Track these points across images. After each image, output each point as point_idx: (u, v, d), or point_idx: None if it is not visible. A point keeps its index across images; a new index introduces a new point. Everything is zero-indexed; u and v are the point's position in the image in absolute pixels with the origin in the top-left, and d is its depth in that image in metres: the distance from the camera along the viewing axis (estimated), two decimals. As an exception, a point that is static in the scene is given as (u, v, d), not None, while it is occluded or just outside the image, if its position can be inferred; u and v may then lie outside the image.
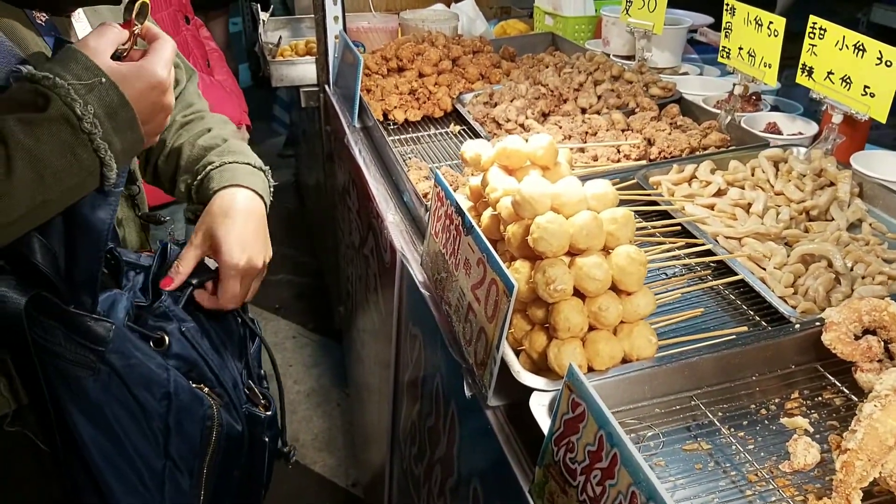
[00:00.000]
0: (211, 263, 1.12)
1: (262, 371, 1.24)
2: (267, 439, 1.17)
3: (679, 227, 1.23)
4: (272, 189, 1.19)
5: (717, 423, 0.93)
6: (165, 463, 1.07)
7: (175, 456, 1.06)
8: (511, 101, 1.78)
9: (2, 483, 1.02)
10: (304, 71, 2.43)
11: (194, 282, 1.08)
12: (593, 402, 0.71)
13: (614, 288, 0.92)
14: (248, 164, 1.17)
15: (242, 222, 1.09)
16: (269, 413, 1.17)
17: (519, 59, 2.26)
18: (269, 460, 1.19)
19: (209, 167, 1.14)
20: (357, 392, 2.48)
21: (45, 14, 0.94)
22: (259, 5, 2.72)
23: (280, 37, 2.66)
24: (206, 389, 1.07)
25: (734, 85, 1.63)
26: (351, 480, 2.55)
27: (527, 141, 1.11)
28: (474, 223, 1.02)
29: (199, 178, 1.14)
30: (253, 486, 1.19)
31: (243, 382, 1.15)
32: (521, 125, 1.69)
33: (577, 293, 0.92)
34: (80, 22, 1.01)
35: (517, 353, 0.99)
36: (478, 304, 1.01)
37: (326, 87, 2.34)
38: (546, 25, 2.46)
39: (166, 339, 1.03)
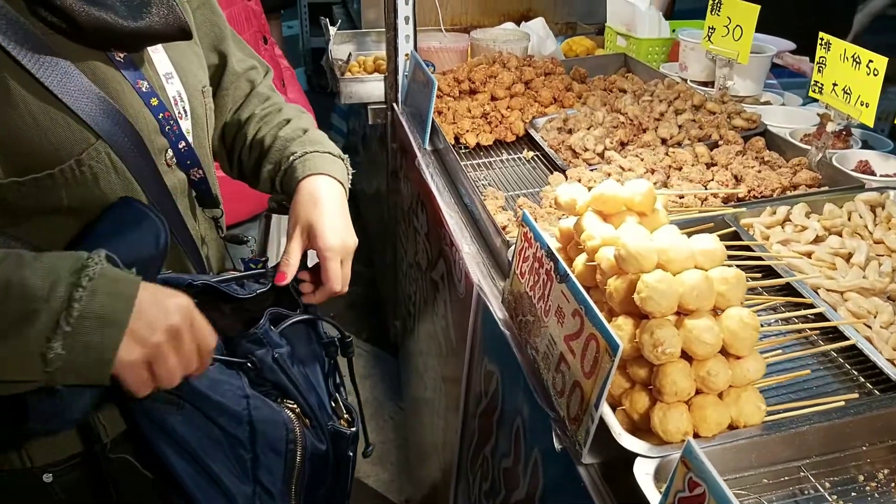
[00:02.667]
0: (310, 256, 1.13)
1: (340, 379, 1.25)
2: (351, 454, 1.17)
3: (782, 280, 1.18)
4: (350, 176, 1.20)
5: (826, 496, 0.89)
6: (255, 488, 1.08)
7: (263, 480, 1.08)
8: (588, 129, 1.75)
9: None
10: (373, 88, 2.43)
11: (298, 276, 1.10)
12: (717, 486, 0.68)
13: (723, 351, 0.88)
14: (329, 153, 1.18)
15: (331, 208, 1.10)
16: (353, 429, 1.17)
17: (590, 81, 2.22)
18: (353, 473, 1.20)
19: (292, 158, 1.15)
20: (413, 409, 2.47)
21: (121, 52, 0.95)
22: (328, 19, 2.73)
23: (350, 53, 2.66)
24: (292, 414, 1.08)
25: (819, 115, 1.57)
26: (404, 497, 2.54)
27: (622, 185, 1.08)
28: (570, 272, 1.00)
29: (283, 168, 1.16)
30: (337, 498, 1.21)
31: (329, 394, 1.16)
32: (600, 155, 1.66)
33: (684, 354, 0.88)
34: (158, 53, 1.02)
35: (612, 409, 0.96)
36: (572, 357, 0.98)
37: (395, 105, 2.34)
38: (618, 46, 2.41)
39: (256, 364, 1.03)
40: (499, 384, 1.31)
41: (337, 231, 1.09)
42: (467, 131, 1.92)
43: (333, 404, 1.17)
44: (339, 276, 1.08)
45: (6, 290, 0.73)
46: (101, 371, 0.77)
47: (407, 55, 2.28)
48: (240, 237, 1.23)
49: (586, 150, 1.66)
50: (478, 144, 1.92)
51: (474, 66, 2.11)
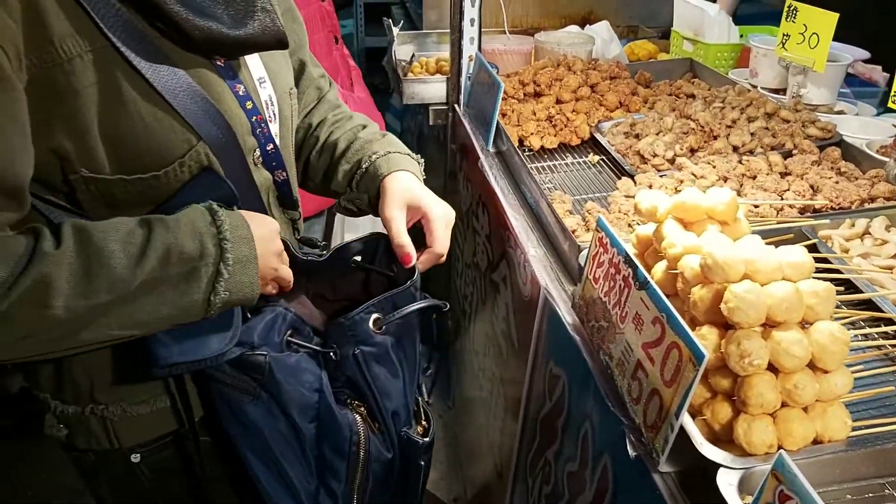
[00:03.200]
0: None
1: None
2: (423, 463, 1.18)
3: (864, 296, 1.16)
4: (423, 177, 1.24)
5: (912, 516, 0.87)
6: (318, 486, 1.10)
7: (327, 480, 1.10)
8: (657, 135, 1.73)
9: (191, 488, 1.09)
10: (435, 90, 2.45)
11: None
12: (810, 499, 0.67)
13: (811, 365, 0.87)
14: (408, 154, 1.23)
15: (426, 189, 1.17)
16: (426, 439, 1.18)
17: (655, 86, 2.20)
18: (425, 481, 1.20)
19: (374, 157, 1.19)
20: (464, 408, 2.48)
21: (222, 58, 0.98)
22: (390, 20, 2.76)
23: (413, 54, 2.69)
24: (359, 417, 1.09)
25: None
26: (453, 495, 2.55)
27: (703, 193, 1.08)
28: (651, 280, 0.99)
29: (364, 167, 1.19)
30: None
31: (414, 399, 1.17)
32: (669, 161, 1.65)
33: (770, 367, 0.87)
34: (253, 58, 1.05)
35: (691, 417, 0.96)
36: (651, 365, 0.98)
37: (456, 106, 2.35)
38: (684, 51, 2.39)
39: (336, 357, 1.06)
40: (565, 388, 1.31)
41: (439, 201, 1.15)
42: (532, 134, 1.92)
43: (415, 409, 1.18)
44: (446, 241, 1.11)
45: (167, 257, 0.84)
46: (250, 300, 0.93)
47: (471, 57, 2.29)
48: (314, 241, 1.26)
49: (655, 155, 1.65)
50: (542, 147, 1.92)
51: (539, 69, 2.12)
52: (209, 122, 0.91)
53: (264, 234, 0.94)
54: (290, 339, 1.05)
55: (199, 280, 0.86)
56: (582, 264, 1.31)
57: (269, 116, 1.05)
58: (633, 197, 1.51)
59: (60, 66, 0.80)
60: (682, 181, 1.47)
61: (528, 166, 1.69)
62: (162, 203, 0.92)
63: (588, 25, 2.63)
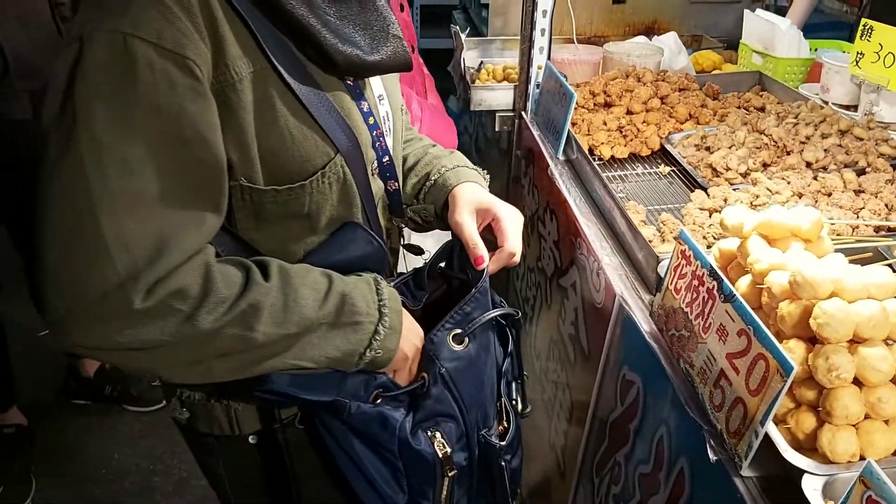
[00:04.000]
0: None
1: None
2: (504, 463, 1.22)
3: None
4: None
5: None
6: (408, 499, 1.15)
7: (415, 495, 1.15)
8: (729, 148, 1.77)
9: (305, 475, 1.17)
10: (502, 97, 2.51)
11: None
12: (901, 507, 0.72)
13: (894, 380, 0.92)
14: (475, 169, 1.32)
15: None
16: (502, 443, 1.22)
17: (723, 98, 2.23)
18: (509, 478, 1.25)
19: (444, 169, 1.28)
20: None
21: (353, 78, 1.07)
22: (457, 27, 2.83)
23: (481, 61, 2.75)
24: (440, 445, 1.13)
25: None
26: (508, 494, 2.61)
27: (783, 209, 1.12)
28: (737, 293, 1.04)
29: (433, 179, 1.28)
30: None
31: (494, 401, 1.22)
32: (742, 175, 1.68)
33: (854, 381, 0.92)
34: (375, 78, 1.13)
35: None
36: (735, 374, 1.03)
37: (523, 113, 2.41)
38: (753, 64, 2.41)
39: (425, 383, 1.11)
40: (640, 394, 1.36)
41: (507, 204, 1.21)
42: (602, 143, 1.97)
43: (498, 410, 1.23)
44: (517, 241, 1.17)
45: (342, 306, 0.98)
46: (385, 364, 1.05)
47: (540, 66, 2.35)
48: (418, 248, 1.33)
49: (728, 169, 1.69)
50: (612, 157, 1.97)
51: (610, 79, 2.16)
52: (343, 137, 0.99)
53: (410, 325, 1.08)
54: (380, 394, 1.09)
55: (362, 332, 0.99)
56: (661, 274, 1.36)
57: (386, 130, 1.13)
58: (707, 210, 1.56)
59: (232, 86, 0.88)
60: (757, 196, 1.50)
61: (602, 175, 1.74)
62: (302, 217, 1.01)
63: (655, 36, 2.66)
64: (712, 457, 1.06)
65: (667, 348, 1.26)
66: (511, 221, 1.20)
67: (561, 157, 2.03)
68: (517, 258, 1.22)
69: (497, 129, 2.58)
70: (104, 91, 0.80)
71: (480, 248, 1.15)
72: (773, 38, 2.31)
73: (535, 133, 2.23)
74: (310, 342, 0.95)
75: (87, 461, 2.74)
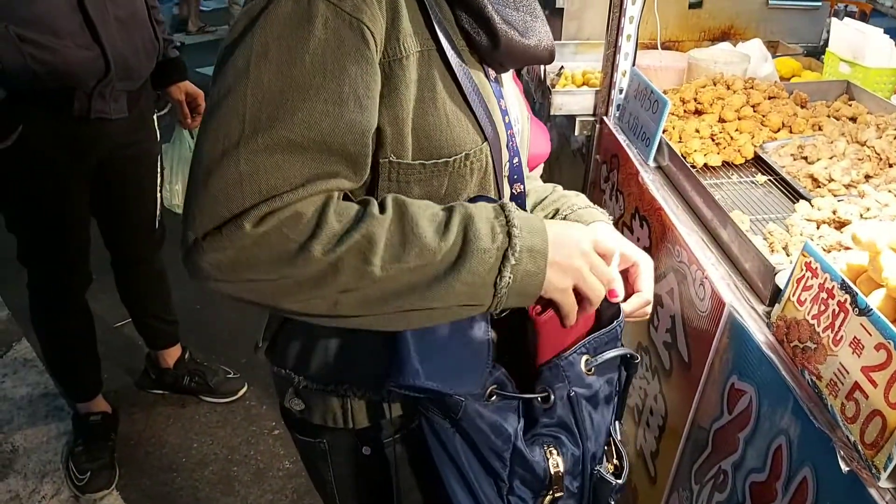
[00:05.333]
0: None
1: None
2: (613, 502, 1.20)
3: None
4: None
5: None
6: None
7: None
8: (830, 159, 1.76)
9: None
10: (582, 101, 2.53)
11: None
12: None
13: None
14: (602, 211, 1.32)
15: None
16: (619, 481, 1.20)
17: (811, 106, 2.22)
18: None
19: (575, 207, 1.30)
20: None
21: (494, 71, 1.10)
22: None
23: (561, 66, 2.77)
24: (553, 462, 1.10)
25: None
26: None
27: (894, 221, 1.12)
28: (873, 306, 1.05)
29: (564, 214, 1.29)
30: None
31: (609, 434, 1.20)
32: (846, 186, 1.68)
33: None
34: (506, 75, 1.15)
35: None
36: (873, 387, 1.04)
37: (605, 119, 2.42)
38: (840, 73, 2.39)
39: (551, 397, 1.08)
40: (753, 403, 1.37)
41: (643, 251, 1.21)
42: (695, 151, 1.98)
43: (606, 448, 1.20)
44: (652, 288, 1.18)
45: (465, 235, 0.89)
46: (535, 293, 0.94)
47: (624, 72, 2.36)
48: None
49: (832, 180, 1.68)
50: (705, 165, 1.97)
51: (700, 86, 2.17)
52: (490, 126, 1.01)
53: (574, 235, 0.97)
54: (495, 391, 1.06)
55: (487, 261, 0.89)
56: (778, 285, 1.37)
57: (517, 131, 1.15)
58: (815, 221, 1.55)
59: (399, 61, 0.92)
60: (868, 208, 1.50)
61: (704, 183, 1.75)
62: (438, 201, 0.98)
63: (740, 42, 2.65)
64: (844, 468, 1.07)
65: (787, 359, 1.27)
66: (648, 269, 1.21)
67: (652, 163, 2.04)
68: (649, 309, 1.23)
69: (577, 134, 2.60)
70: (281, 36, 0.85)
71: (617, 283, 1.08)
72: (862, 47, 2.29)
73: (621, 138, 2.25)
74: (436, 278, 0.88)
75: (167, 450, 2.84)
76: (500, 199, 1.09)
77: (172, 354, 3.03)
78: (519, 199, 1.22)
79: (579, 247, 0.97)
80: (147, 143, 2.56)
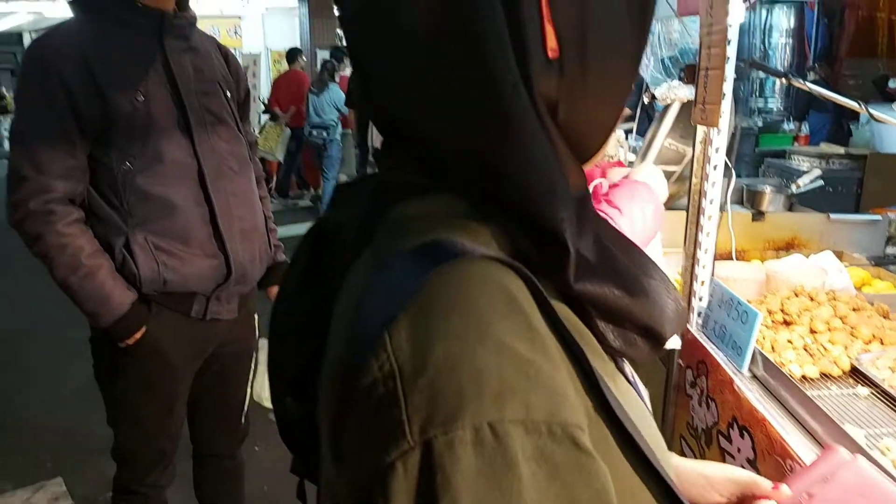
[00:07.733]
0: None
1: None
2: None
3: None
4: None
5: None
6: None
7: None
8: (933, 375, 1.80)
9: None
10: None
11: None
12: None
13: None
14: None
15: None
16: None
17: (893, 317, 2.28)
18: None
19: None
20: None
21: None
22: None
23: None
24: None
25: None
26: None
27: None
28: None
29: None
30: None
31: None
32: (956, 403, 1.69)
33: None
34: None
35: None
36: None
37: (688, 327, 2.51)
38: (917, 284, 2.48)
39: None
40: None
41: None
42: (791, 362, 2.03)
43: None
44: None
45: None
46: None
47: (703, 282, 2.49)
48: None
49: (939, 395, 1.70)
50: (803, 376, 2.01)
51: (785, 298, 2.26)
52: None
53: None
54: None
55: None
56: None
57: None
58: (934, 438, 1.56)
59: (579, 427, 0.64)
60: None
61: (810, 395, 1.78)
62: None
63: (812, 255, 2.78)
64: None
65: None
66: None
67: (746, 372, 2.09)
68: None
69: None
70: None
71: None
72: (938, 261, 2.39)
73: (708, 346, 2.32)
74: None
75: None
76: None
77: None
78: None
79: None
80: (248, 341, 2.70)
